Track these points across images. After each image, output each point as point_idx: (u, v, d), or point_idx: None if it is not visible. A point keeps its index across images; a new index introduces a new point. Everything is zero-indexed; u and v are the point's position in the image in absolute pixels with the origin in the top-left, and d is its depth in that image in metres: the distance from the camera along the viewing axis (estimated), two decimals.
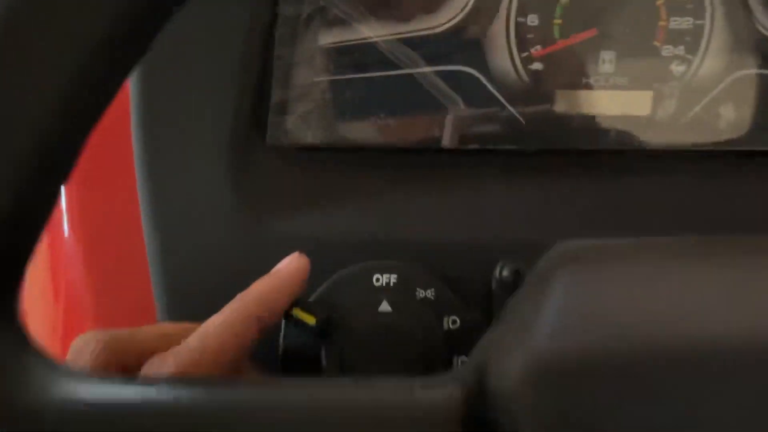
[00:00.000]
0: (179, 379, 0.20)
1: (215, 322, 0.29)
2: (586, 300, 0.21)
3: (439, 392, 0.20)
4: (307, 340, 0.32)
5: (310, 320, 0.31)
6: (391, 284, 0.33)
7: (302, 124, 0.36)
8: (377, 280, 0.33)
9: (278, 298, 0.30)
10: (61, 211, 0.46)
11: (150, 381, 0.19)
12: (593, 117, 0.37)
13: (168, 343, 0.28)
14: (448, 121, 0.36)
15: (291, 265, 0.31)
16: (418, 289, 0.33)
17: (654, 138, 0.37)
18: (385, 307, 0.32)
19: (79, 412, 0.18)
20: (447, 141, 0.36)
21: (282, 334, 0.33)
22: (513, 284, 0.33)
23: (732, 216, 0.37)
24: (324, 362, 0.32)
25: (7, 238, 0.17)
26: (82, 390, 0.19)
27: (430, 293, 0.33)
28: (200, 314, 0.34)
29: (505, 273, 0.33)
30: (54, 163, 0.18)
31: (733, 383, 0.20)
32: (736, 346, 0.20)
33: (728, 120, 0.36)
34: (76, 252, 0.44)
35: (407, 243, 0.35)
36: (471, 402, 0.21)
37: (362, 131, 0.36)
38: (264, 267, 0.33)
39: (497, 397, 0.20)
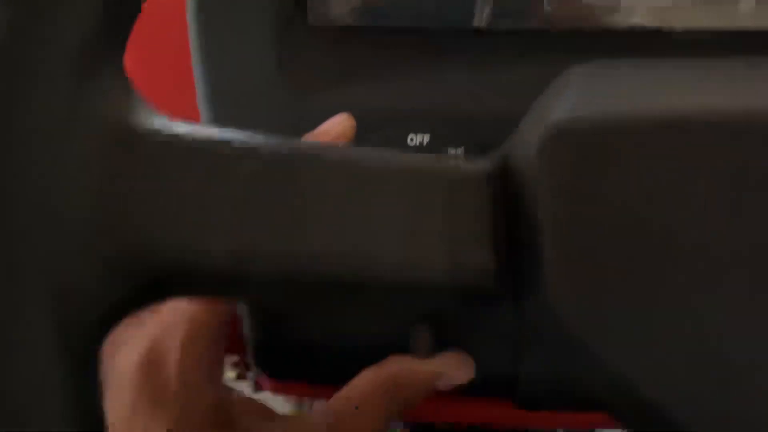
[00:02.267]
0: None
1: None
2: (601, 85, 0.23)
3: (470, 163, 0.23)
4: None
5: None
6: (424, 143, 0.35)
7: (343, 4, 0.38)
8: (411, 139, 0.35)
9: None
10: None
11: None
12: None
13: None
14: (479, 2, 0.38)
15: (339, 124, 0.33)
16: (450, 148, 0.35)
17: (685, 20, 0.38)
18: None
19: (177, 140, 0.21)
20: (480, 20, 0.38)
21: None
22: None
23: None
24: None
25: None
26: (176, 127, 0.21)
27: (460, 152, 0.35)
28: None
29: None
30: None
31: (739, 154, 0.21)
32: (738, 118, 0.22)
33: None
34: None
35: (438, 114, 0.37)
36: (498, 172, 0.23)
37: (401, 13, 0.38)
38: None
39: (520, 167, 0.22)
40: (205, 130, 0.21)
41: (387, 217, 0.22)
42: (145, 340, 0.31)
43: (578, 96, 0.22)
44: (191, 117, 0.39)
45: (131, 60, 0.46)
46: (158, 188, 0.20)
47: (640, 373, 0.21)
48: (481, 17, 0.38)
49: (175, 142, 0.20)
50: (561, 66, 0.38)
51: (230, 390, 0.34)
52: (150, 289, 0.21)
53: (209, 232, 0.21)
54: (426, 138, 0.35)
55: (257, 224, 0.21)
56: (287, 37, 0.37)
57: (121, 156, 0.20)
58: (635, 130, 0.21)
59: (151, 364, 0.31)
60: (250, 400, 0.34)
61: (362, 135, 0.36)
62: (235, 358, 0.52)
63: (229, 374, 0.53)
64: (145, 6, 0.22)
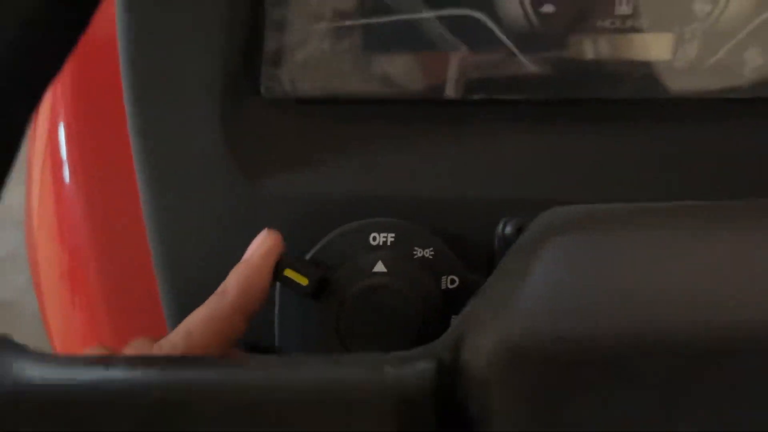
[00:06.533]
0: (139, 358, 0.19)
1: (199, 318, 0.29)
2: (568, 280, 0.20)
3: (411, 369, 0.19)
4: (302, 302, 0.31)
5: (303, 281, 0.30)
6: (388, 243, 0.31)
7: (298, 74, 0.34)
8: (374, 239, 0.32)
9: (258, 283, 0.30)
10: (62, 160, 0.47)
11: (105, 361, 0.19)
12: (608, 63, 0.34)
13: None
14: (452, 69, 0.34)
15: (263, 246, 0.30)
16: (416, 248, 0.32)
17: (674, 85, 0.34)
18: (380, 267, 0.31)
19: (33, 393, 0.18)
20: (451, 91, 0.34)
21: (277, 296, 0.32)
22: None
23: (757, 167, 0.34)
24: (318, 324, 0.31)
25: None
26: (37, 371, 0.18)
27: (428, 252, 0.32)
28: (198, 267, 0.34)
29: (508, 230, 0.32)
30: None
31: (721, 383, 0.18)
32: (730, 347, 0.18)
33: (754, 65, 0.34)
34: (78, 198, 0.44)
35: (407, 200, 0.33)
36: (444, 377, 0.19)
37: (361, 82, 0.34)
38: (260, 224, 0.32)
39: (469, 373, 0.19)
40: (80, 372, 0.18)
41: None
42: None
43: (540, 294, 0.19)
44: (134, 199, 0.36)
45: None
46: None
47: None
48: (452, 87, 0.34)
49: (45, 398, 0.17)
50: (546, 141, 0.35)
51: None
52: None
53: None
54: (390, 237, 0.32)
55: None
56: (236, 112, 0.34)
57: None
58: (597, 356, 0.17)
59: None
60: None
61: (319, 228, 0.33)
62: None
63: None
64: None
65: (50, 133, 0.51)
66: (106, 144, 0.46)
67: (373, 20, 0.33)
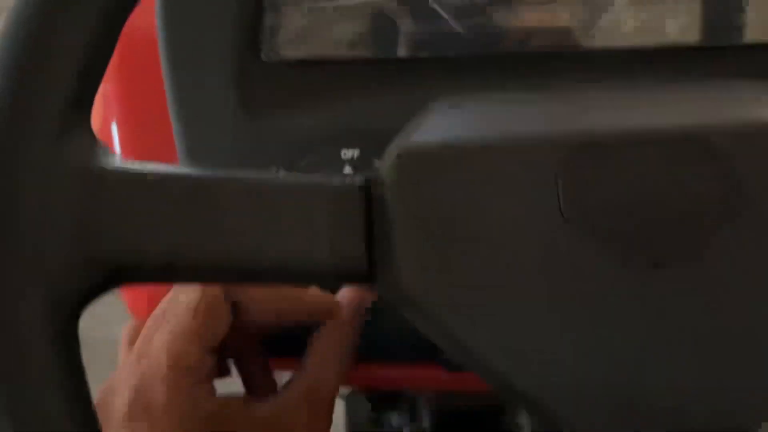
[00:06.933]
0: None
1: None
2: (450, 119, 0.31)
3: (349, 179, 0.31)
4: None
5: None
6: (355, 157, 0.43)
7: (287, 44, 0.46)
8: (344, 154, 0.43)
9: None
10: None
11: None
12: (531, 24, 0.46)
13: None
14: (402, 33, 0.46)
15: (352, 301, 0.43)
16: (375, 160, 0.43)
17: (596, 41, 0.45)
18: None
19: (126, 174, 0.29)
20: (402, 51, 0.46)
21: None
22: None
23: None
24: None
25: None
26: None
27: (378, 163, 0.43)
28: None
29: None
30: None
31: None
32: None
33: (677, 24, 0.44)
34: None
35: (368, 131, 0.45)
36: (368, 185, 0.31)
37: (339, 47, 0.46)
38: (261, 155, 0.44)
39: (382, 179, 0.30)
40: (150, 166, 0.30)
41: (285, 222, 0.30)
42: (131, 388, 0.37)
43: (422, 128, 0.30)
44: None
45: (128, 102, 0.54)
46: (112, 209, 0.29)
47: (469, 331, 0.29)
48: (403, 47, 0.46)
49: (125, 177, 0.29)
50: (473, 89, 0.46)
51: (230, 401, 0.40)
52: (112, 277, 0.29)
53: (148, 239, 0.29)
54: (356, 153, 0.43)
55: (183, 232, 0.30)
56: (244, 73, 0.46)
57: (86, 190, 0.29)
58: (452, 157, 0.29)
59: (137, 403, 0.37)
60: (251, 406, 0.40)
61: (306, 150, 0.44)
62: None
63: None
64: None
65: (102, 129, 0.64)
66: (157, 141, 0.58)
67: (342, 2, 0.46)
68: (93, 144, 0.29)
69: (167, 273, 0.30)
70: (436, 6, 0.45)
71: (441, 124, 0.31)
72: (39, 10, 0.28)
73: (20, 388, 0.27)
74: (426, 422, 0.67)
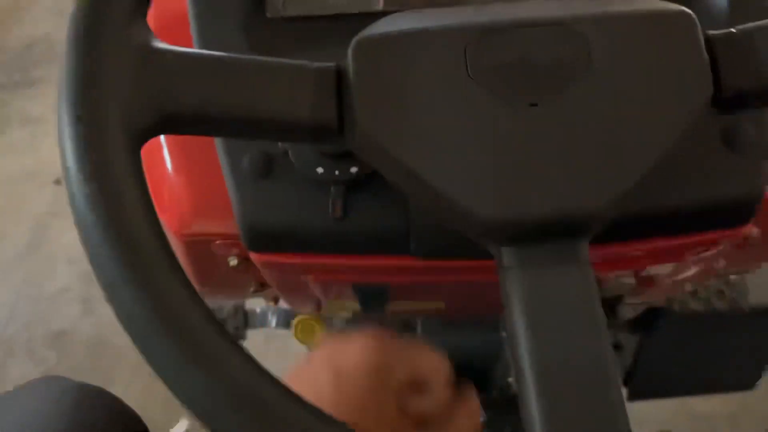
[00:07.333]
0: None
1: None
2: (394, 21, 0.43)
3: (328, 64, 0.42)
4: None
5: None
6: None
7: (290, 3, 0.57)
8: None
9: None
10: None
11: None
12: None
13: None
14: None
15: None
16: None
17: None
18: None
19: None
20: (380, 6, 0.57)
21: None
22: None
23: None
24: None
25: None
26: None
27: None
28: None
29: None
30: None
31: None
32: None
33: None
34: None
35: None
36: (341, 67, 0.42)
37: (326, 5, 0.58)
38: None
39: (347, 61, 0.42)
40: (185, 49, 0.41)
41: (279, 89, 0.41)
42: (371, 355, 0.53)
43: (378, 26, 0.42)
44: None
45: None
46: (160, 74, 0.40)
47: (408, 155, 0.39)
48: (378, 2, 0.57)
49: (169, 53, 0.41)
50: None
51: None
52: (162, 121, 0.40)
53: (184, 94, 0.40)
54: None
55: (208, 92, 0.41)
56: (252, 28, 0.57)
57: (143, 60, 0.40)
58: (388, 41, 0.40)
59: (378, 373, 0.53)
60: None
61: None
62: None
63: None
64: None
65: None
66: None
67: None
68: (148, 31, 0.41)
69: (196, 123, 0.41)
70: None
71: (387, 24, 0.43)
72: None
73: (105, 183, 0.37)
74: None
